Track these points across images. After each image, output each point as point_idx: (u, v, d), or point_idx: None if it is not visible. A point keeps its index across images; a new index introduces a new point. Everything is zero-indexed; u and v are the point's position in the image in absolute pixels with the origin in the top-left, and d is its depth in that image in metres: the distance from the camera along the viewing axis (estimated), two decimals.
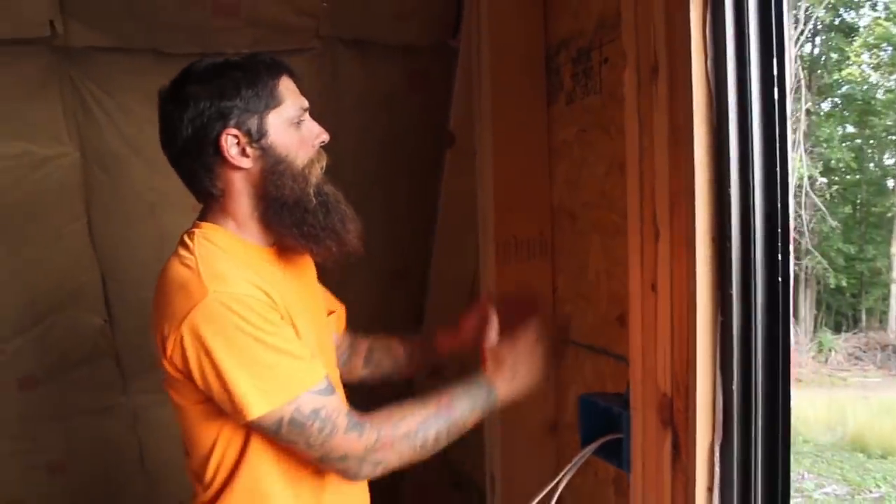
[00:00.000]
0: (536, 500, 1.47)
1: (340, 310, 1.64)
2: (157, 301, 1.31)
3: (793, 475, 7.41)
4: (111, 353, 2.42)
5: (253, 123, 1.29)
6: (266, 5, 1.98)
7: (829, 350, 13.46)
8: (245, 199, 1.33)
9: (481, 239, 2.00)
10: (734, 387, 1.17)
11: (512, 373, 1.49)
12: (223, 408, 1.24)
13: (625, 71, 1.34)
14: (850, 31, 14.64)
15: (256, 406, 1.21)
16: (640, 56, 1.31)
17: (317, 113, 1.38)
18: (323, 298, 1.54)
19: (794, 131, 13.05)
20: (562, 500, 1.95)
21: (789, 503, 1.20)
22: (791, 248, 1.21)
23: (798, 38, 13.57)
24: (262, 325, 1.22)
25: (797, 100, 13.43)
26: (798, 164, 12.71)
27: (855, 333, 14.40)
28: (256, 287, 1.24)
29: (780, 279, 1.16)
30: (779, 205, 1.16)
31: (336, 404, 1.28)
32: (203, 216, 1.39)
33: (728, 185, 1.16)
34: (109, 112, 2.06)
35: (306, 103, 1.34)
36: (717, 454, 1.19)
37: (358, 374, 1.67)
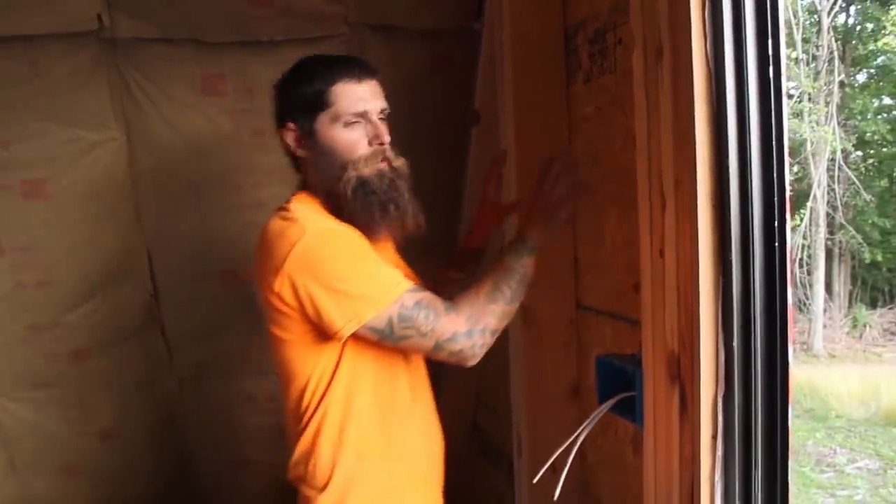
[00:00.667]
0: (554, 456, 1.58)
1: None
2: (259, 254, 1.52)
3: (824, 450, 7.45)
4: (157, 326, 2.57)
5: (306, 120, 1.54)
6: None
7: (864, 326, 13.33)
8: (313, 181, 1.59)
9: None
10: (734, 343, 1.27)
11: (545, 218, 1.66)
12: (331, 327, 1.44)
13: (633, 52, 1.43)
14: None
15: (367, 310, 1.44)
16: (646, 39, 1.40)
17: None
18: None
19: (827, 104, 12.90)
20: (584, 459, 2.08)
21: (788, 450, 1.30)
22: (788, 214, 1.30)
23: (831, 9, 13.35)
24: (358, 247, 1.48)
25: (830, 72, 13.24)
26: (830, 138, 12.56)
27: (891, 308, 14.23)
28: (346, 227, 1.49)
29: (776, 244, 1.26)
30: (775, 174, 1.25)
31: (429, 296, 1.50)
32: (300, 185, 1.64)
33: (727, 157, 1.25)
34: (153, 98, 2.19)
35: (365, 107, 1.52)
36: (720, 405, 1.30)
37: None
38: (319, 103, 1.52)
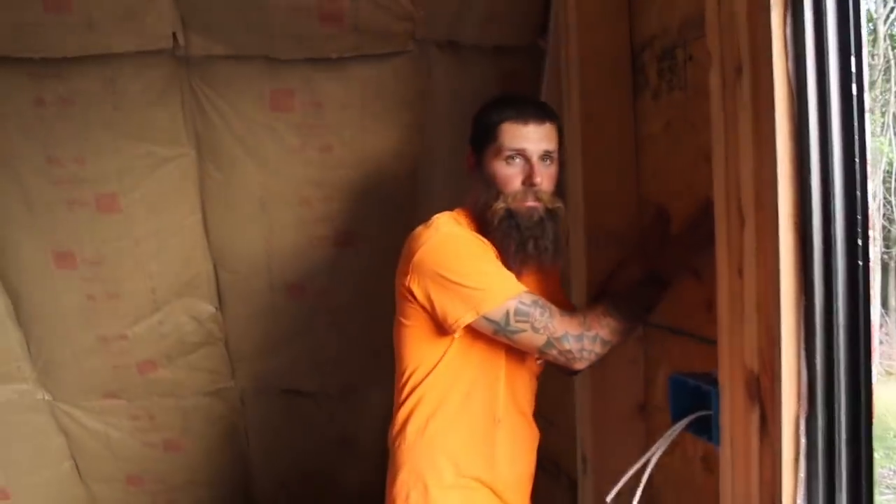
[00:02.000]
0: (628, 475, 1.57)
1: None
2: (402, 256, 1.70)
3: (883, 471, 7.24)
4: (221, 339, 2.61)
5: (478, 149, 1.74)
6: (367, 12, 2.13)
7: None
8: (473, 200, 1.75)
9: (571, 231, 2.10)
10: (817, 363, 1.25)
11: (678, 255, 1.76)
12: (448, 318, 1.60)
13: (710, 70, 1.43)
14: None
15: (486, 303, 1.58)
16: (724, 57, 1.39)
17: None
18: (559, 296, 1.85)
19: (883, 114, 12.61)
20: (651, 478, 2.06)
21: (873, 473, 1.28)
22: (870, 233, 1.28)
23: (888, 17, 13.07)
24: (482, 250, 1.64)
25: (886, 80, 12.95)
26: (887, 149, 12.28)
27: None
28: (477, 236, 1.67)
29: (859, 262, 1.24)
30: (857, 193, 1.23)
31: (540, 300, 1.62)
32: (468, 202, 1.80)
33: (809, 176, 1.24)
34: (224, 115, 2.23)
35: (524, 146, 1.68)
36: (802, 426, 1.28)
37: None
38: (489, 136, 1.71)
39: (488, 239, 1.67)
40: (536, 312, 1.59)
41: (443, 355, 1.67)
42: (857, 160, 1.23)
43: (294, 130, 2.27)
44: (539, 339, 1.61)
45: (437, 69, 2.25)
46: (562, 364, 1.66)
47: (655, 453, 1.56)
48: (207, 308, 2.53)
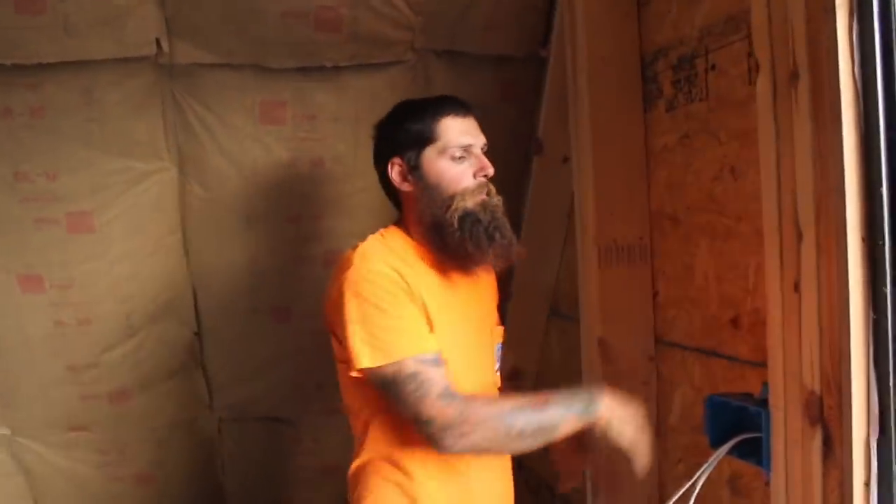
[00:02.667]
0: (674, 498, 1.49)
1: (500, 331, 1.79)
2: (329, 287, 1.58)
3: None
4: (199, 365, 2.46)
5: (412, 155, 1.59)
6: (366, 19, 2.03)
7: None
8: (412, 216, 1.61)
9: (581, 244, 2.03)
10: (890, 382, 1.20)
11: (622, 403, 1.51)
12: (351, 361, 1.45)
13: (758, 78, 1.37)
14: None
15: (365, 359, 1.44)
16: (775, 63, 1.33)
17: None
18: (492, 308, 1.76)
19: None
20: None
21: None
22: None
23: None
24: (384, 295, 1.46)
25: None
26: None
27: None
28: (392, 268, 1.49)
29: None
30: None
31: (436, 375, 1.44)
32: (395, 221, 1.68)
33: (879, 186, 1.19)
34: (210, 128, 2.10)
35: (470, 141, 1.58)
36: (873, 449, 1.22)
37: None
38: (427, 138, 1.58)
39: (450, 247, 1.55)
40: (410, 388, 1.42)
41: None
42: None
43: (284, 144, 2.15)
44: (406, 413, 1.44)
45: (435, 79, 2.17)
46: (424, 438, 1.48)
47: (700, 478, 1.48)
48: (185, 333, 2.38)
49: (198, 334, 2.40)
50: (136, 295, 2.28)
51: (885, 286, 1.19)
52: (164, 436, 2.51)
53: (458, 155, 1.57)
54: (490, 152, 1.61)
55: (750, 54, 1.61)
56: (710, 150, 1.75)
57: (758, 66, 1.58)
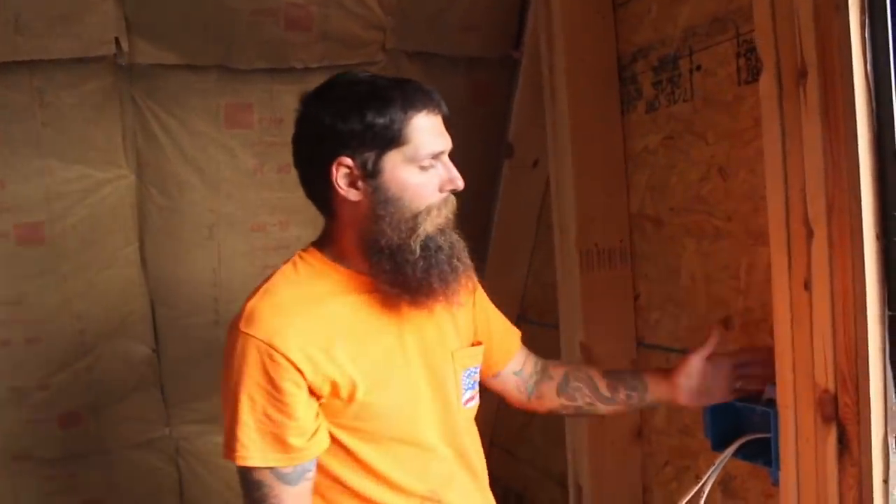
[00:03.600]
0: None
1: (511, 335, 1.57)
2: None
3: None
4: (156, 383, 2.33)
5: (370, 157, 1.23)
6: (337, 19, 1.96)
7: None
8: (351, 231, 1.28)
9: (560, 249, 2.00)
10: None
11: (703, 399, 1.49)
12: None
13: (762, 76, 1.36)
14: None
15: (226, 447, 1.23)
16: (780, 61, 1.33)
17: None
18: (454, 332, 1.40)
19: None
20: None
21: None
22: None
23: None
24: (256, 387, 1.19)
25: None
26: None
27: None
28: (279, 343, 1.19)
29: None
30: None
31: (284, 495, 1.22)
32: (319, 235, 1.36)
33: (893, 182, 1.19)
34: (172, 132, 1.99)
35: (442, 146, 1.27)
36: (891, 445, 1.22)
37: (551, 403, 1.57)
38: (393, 138, 1.22)
39: (395, 277, 1.25)
40: (254, 496, 1.23)
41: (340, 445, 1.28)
42: None
43: (251, 149, 2.06)
44: None
45: None
46: None
47: (707, 483, 1.46)
48: (142, 350, 2.25)
49: (156, 351, 2.28)
50: (91, 311, 2.14)
51: None
52: (118, 460, 2.37)
53: (429, 162, 1.25)
54: (462, 156, 1.49)
55: (739, 55, 1.61)
56: (697, 151, 1.75)
57: (749, 67, 1.60)
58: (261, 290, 1.27)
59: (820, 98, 1.26)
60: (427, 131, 1.25)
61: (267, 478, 1.22)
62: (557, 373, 1.57)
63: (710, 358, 1.49)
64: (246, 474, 1.23)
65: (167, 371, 2.32)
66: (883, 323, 1.22)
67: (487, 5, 2.12)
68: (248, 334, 1.20)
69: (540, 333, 2.34)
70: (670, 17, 1.79)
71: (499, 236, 2.41)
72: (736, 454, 1.48)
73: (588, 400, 1.54)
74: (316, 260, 1.31)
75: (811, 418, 1.32)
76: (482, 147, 2.26)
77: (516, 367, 1.56)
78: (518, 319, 2.57)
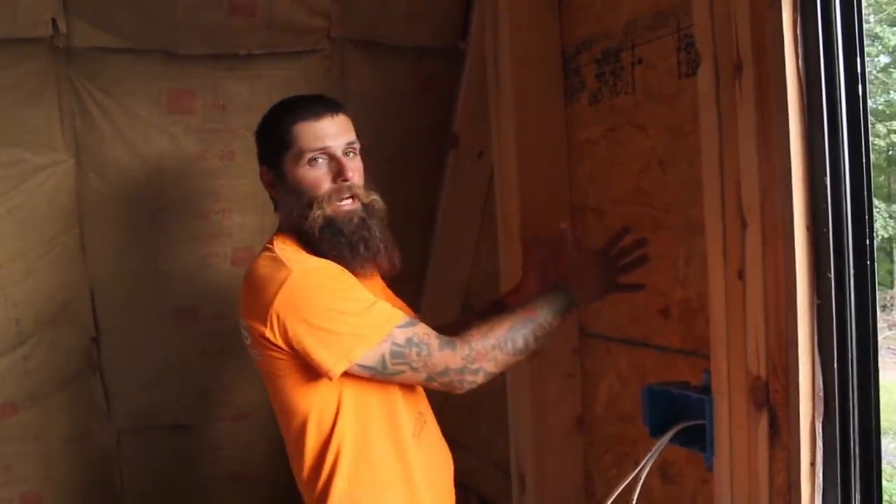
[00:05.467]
0: (615, 493, 1.50)
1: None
2: (247, 295, 1.51)
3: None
4: (96, 373, 2.29)
5: (274, 162, 1.55)
6: (281, 5, 1.94)
7: None
8: (287, 221, 1.57)
9: (503, 239, 2.02)
10: (834, 365, 1.24)
11: (586, 278, 1.66)
12: (321, 367, 1.42)
13: (700, 69, 1.39)
14: None
15: (358, 349, 1.42)
16: (717, 55, 1.36)
17: None
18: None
19: None
20: (593, 494, 2.01)
21: (881, 473, 1.28)
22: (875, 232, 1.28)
23: None
24: (345, 286, 1.47)
25: None
26: None
27: None
28: (331, 264, 1.48)
29: (868, 262, 1.24)
30: (865, 192, 1.24)
31: (424, 329, 1.48)
32: (277, 228, 1.61)
33: (823, 175, 1.23)
34: (112, 117, 1.95)
35: (327, 143, 1.50)
36: (818, 431, 1.26)
37: None
38: (283, 144, 1.52)
39: (319, 254, 1.51)
40: (413, 352, 1.46)
41: (340, 394, 1.49)
42: (864, 159, 1.24)
43: (194, 135, 2.03)
44: (419, 377, 1.49)
45: (352, 69, 2.10)
46: (443, 390, 1.54)
47: (644, 469, 1.49)
48: (82, 338, 2.20)
49: (95, 339, 2.24)
50: (27, 299, 2.10)
51: (829, 273, 1.23)
52: (56, 451, 2.33)
53: (313, 158, 1.50)
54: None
55: (680, 49, 1.63)
56: (637, 143, 1.77)
57: (689, 61, 1.62)
58: (278, 262, 1.46)
59: (755, 92, 1.29)
60: (307, 134, 1.51)
61: (406, 332, 1.46)
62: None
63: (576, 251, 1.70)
64: (392, 348, 1.44)
65: (107, 359, 2.28)
66: (812, 312, 1.26)
67: None
68: (303, 267, 1.45)
69: None
70: (614, 11, 1.81)
71: (444, 226, 2.41)
72: (673, 440, 1.51)
73: None
74: (290, 240, 1.54)
75: (744, 405, 1.36)
76: (428, 137, 2.26)
77: None
78: (463, 308, 2.58)
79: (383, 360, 1.44)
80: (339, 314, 1.43)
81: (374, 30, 2.10)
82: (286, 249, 1.50)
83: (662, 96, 1.69)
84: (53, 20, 1.83)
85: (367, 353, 1.43)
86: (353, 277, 1.49)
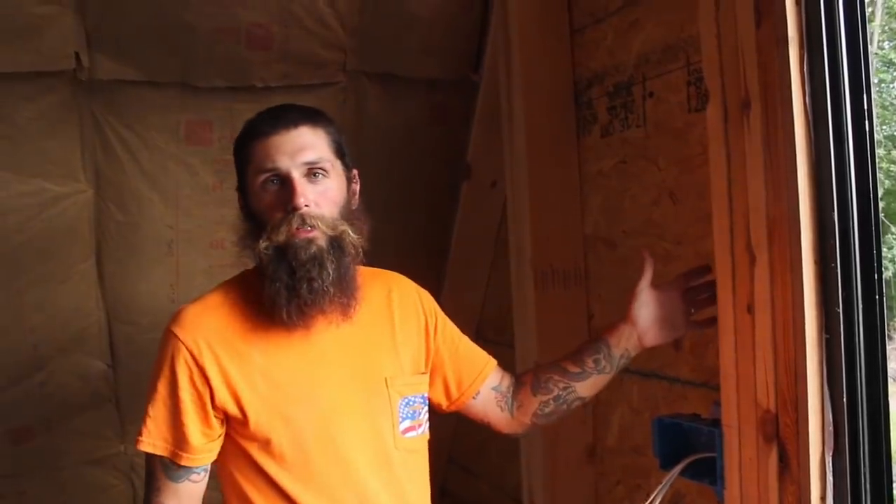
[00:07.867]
0: None
1: (482, 356, 1.58)
2: None
3: None
4: (112, 399, 2.32)
5: (241, 185, 1.37)
6: (297, 38, 1.98)
7: None
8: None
9: (516, 269, 2.04)
10: (843, 399, 1.24)
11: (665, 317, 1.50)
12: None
13: (708, 105, 1.41)
14: None
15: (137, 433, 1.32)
16: (726, 92, 1.38)
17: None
18: (391, 359, 1.42)
19: None
20: None
21: None
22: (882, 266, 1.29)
23: None
24: (162, 380, 1.33)
25: None
26: None
27: None
28: (191, 344, 1.32)
29: (877, 296, 1.25)
30: (873, 227, 1.25)
31: (164, 488, 1.29)
32: None
33: (831, 210, 1.24)
34: (132, 148, 2.00)
35: (272, 165, 1.28)
36: (829, 465, 1.26)
37: (531, 405, 1.54)
38: (243, 164, 1.34)
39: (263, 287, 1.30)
40: (146, 481, 1.33)
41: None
42: (871, 194, 1.25)
43: (211, 166, 2.07)
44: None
45: (367, 101, 2.14)
46: None
47: (655, 501, 1.49)
48: (98, 365, 2.24)
49: (111, 366, 2.27)
50: (45, 326, 2.14)
51: (837, 307, 1.24)
52: (71, 477, 2.36)
53: (264, 180, 1.29)
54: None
55: (689, 83, 1.66)
56: (649, 176, 1.79)
57: (698, 95, 1.64)
58: (175, 313, 1.39)
59: (762, 128, 1.30)
60: (259, 152, 1.31)
61: (157, 467, 1.31)
62: (528, 377, 1.56)
63: (655, 287, 1.50)
64: (146, 461, 1.33)
65: (123, 387, 2.31)
66: (821, 345, 1.26)
67: (447, 28, 2.16)
68: (168, 330, 1.35)
69: (496, 352, 2.35)
70: (625, 45, 1.84)
71: (457, 256, 2.44)
72: (683, 473, 1.51)
73: (562, 385, 1.51)
74: (251, 273, 1.38)
75: (753, 437, 1.36)
76: (441, 167, 2.29)
77: (494, 383, 1.55)
78: (475, 337, 2.58)
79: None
80: (149, 395, 1.33)
81: (387, 63, 2.14)
82: (226, 286, 1.40)
83: (673, 130, 1.71)
84: (77, 54, 1.88)
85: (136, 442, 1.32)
86: (189, 381, 1.30)
